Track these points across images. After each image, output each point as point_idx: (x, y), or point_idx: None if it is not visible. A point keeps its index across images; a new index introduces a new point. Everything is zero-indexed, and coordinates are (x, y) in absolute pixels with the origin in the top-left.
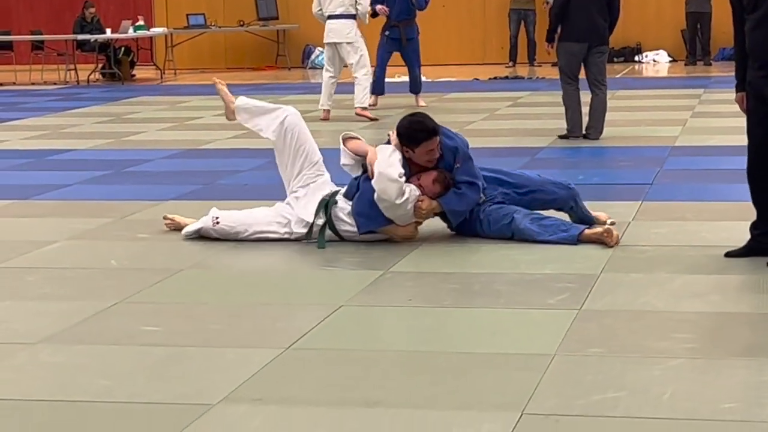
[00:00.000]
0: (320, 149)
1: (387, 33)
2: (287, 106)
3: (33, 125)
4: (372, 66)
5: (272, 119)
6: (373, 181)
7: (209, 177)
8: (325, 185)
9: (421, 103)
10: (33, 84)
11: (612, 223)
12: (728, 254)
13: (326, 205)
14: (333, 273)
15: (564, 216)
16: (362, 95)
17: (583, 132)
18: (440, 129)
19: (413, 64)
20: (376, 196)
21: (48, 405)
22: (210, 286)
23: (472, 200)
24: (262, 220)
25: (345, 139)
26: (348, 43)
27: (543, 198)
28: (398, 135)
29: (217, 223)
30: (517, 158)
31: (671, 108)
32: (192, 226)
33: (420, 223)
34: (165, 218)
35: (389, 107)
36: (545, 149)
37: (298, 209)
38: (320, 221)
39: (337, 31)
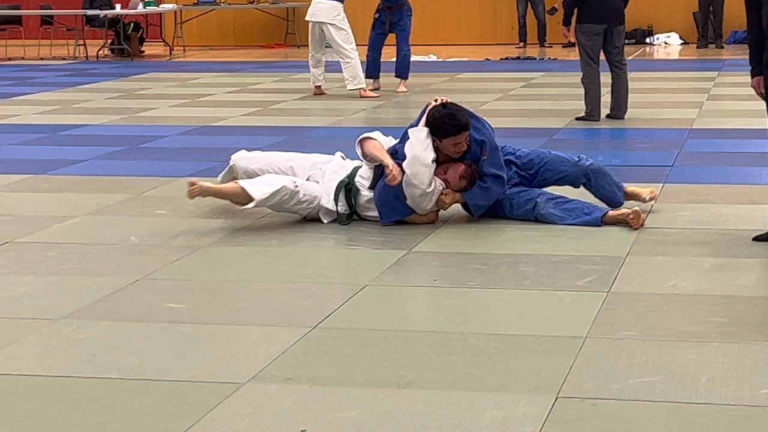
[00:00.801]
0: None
1: (376, 15)
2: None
3: (44, 100)
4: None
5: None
6: (405, 163)
7: (225, 154)
8: (338, 167)
9: (402, 88)
10: (42, 59)
11: (651, 198)
12: (756, 239)
13: (349, 191)
14: (357, 252)
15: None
16: (352, 76)
17: (607, 113)
18: (470, 123)
19: (400, 46)
20: (405, 179)
21: (77, 381)
22: (233, 264)
23: (496, 194)
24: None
25: (362, 141)
26: (331, 24)
27: (550, 177)
28: (428, 124)
29: (297, 186)
30: (534, 138)
31: (686, 90)
32: (264, 192)
33: (439, 210)
34: (190, 183)
35: (413, 87)
36: (562, 130)
37: (323, 192)
38: (342, 207)
39: (323, 11)
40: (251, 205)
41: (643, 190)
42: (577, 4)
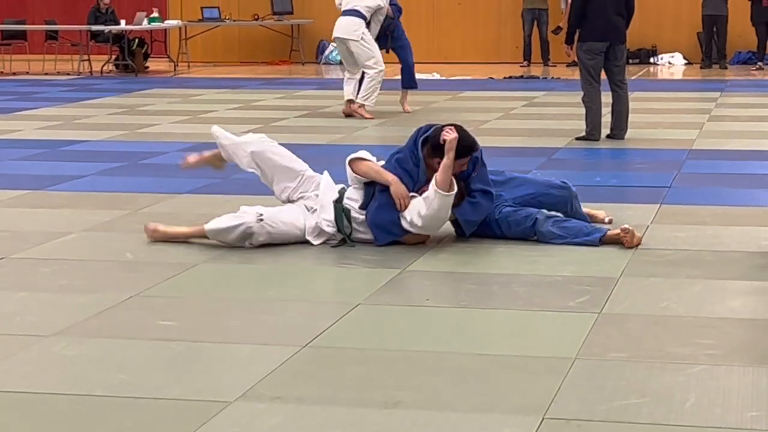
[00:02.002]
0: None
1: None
2: (251, 136)
3: (47, 115)
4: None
5: (243, 154)
6: (417, 217)
7: (225, 171)
8: (328, 189)
9: (407, 108)
10: (46, 74)
11: (610, 221)
12: None
13: (346, 215)
14: (350, 271)
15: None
16: (366, 92)
17: (607, 133)
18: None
19: (405, 58)
20: (412, 221)
21: (65, 398)
22: (226, 281)
23: (486, 209)
24: (294, 227)
25: (352, 162)
26: (354, 40)
27: (545, 202)
28: (433, 147)
29: (261, 219)
30: (533, 158)
31: (688, 111)
32: (221, 222)
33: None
34: (147, 229)
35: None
36: (562, 150)
37: (314, 218)
38: (333, 230)
39: (343, 27)
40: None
41: (599, 212)
42: (581, 22)
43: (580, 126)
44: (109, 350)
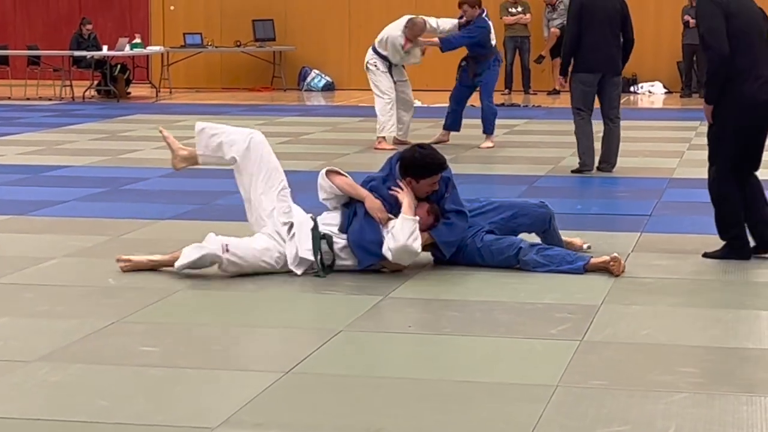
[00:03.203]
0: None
1: (462, 64)
2: (252, 130)
3: (28, 140)
4: None
5: (239, 140)
6: (388, 249)
7: (207, 197)
8: (303, 218)
9: (487, 144)
10: (28, 99)
11: (588, 248)
12: (705, 255)
13: (328, 242)
14: (332, 297)
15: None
16: (381, 122)
17: (596, 165)
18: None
19: (481, 99)
20: (385, 251)
21: (47, 424)
22: (208, 307)
23: (462, 229)
24: (265, 256)
25: (329, 174)
26: (366, 69)
27: (526, 222)
28: (404, 166)
29: (227, 250)
30: (514, 186)
31: (668, 139)
32: (189, 256)
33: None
34: (119, 260)
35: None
36: (543, 178)
37: (294, 246)
38: (327, 257)
39: (367, 56)
40: (177, 265)
41: (575, 239)
42: (574, 52)
43: (562, 154)
44: (91, 376)
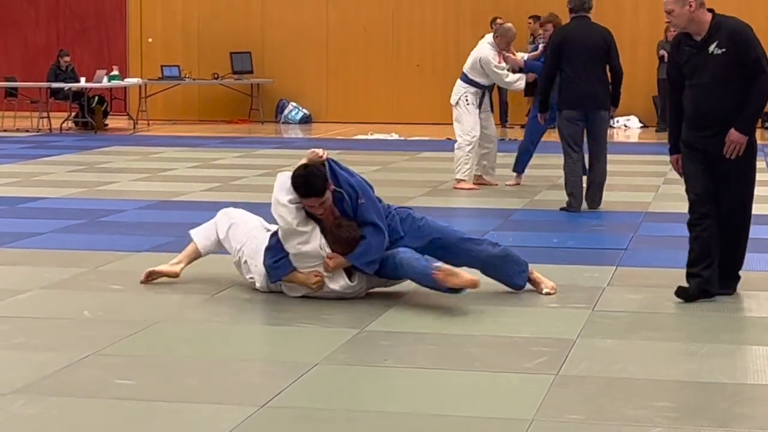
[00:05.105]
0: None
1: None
2: (216, 220)
3: (5, 172)
4: None
5: (216, 240)
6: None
7: (183, 228)
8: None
9: (510, 181)
10: (5, 131)
11: (549, 293)
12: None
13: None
14: (309, 330)
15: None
16: (456, 164)
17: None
18: (328, 187)
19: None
20: (279, 230)
21: None
22: (184, 340)
23: (379, 246)
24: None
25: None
26: (454, 105)
27: (473, 251)
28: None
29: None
30: (490, 219)
31: (644, 174)
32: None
33: (321, 280)
34: (149, 276)
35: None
36: (519, 211)
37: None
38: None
39: (455, 90)
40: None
41: (546, 281)
42: (548, 89)
43: (539, 187)
44: (66, 409)
